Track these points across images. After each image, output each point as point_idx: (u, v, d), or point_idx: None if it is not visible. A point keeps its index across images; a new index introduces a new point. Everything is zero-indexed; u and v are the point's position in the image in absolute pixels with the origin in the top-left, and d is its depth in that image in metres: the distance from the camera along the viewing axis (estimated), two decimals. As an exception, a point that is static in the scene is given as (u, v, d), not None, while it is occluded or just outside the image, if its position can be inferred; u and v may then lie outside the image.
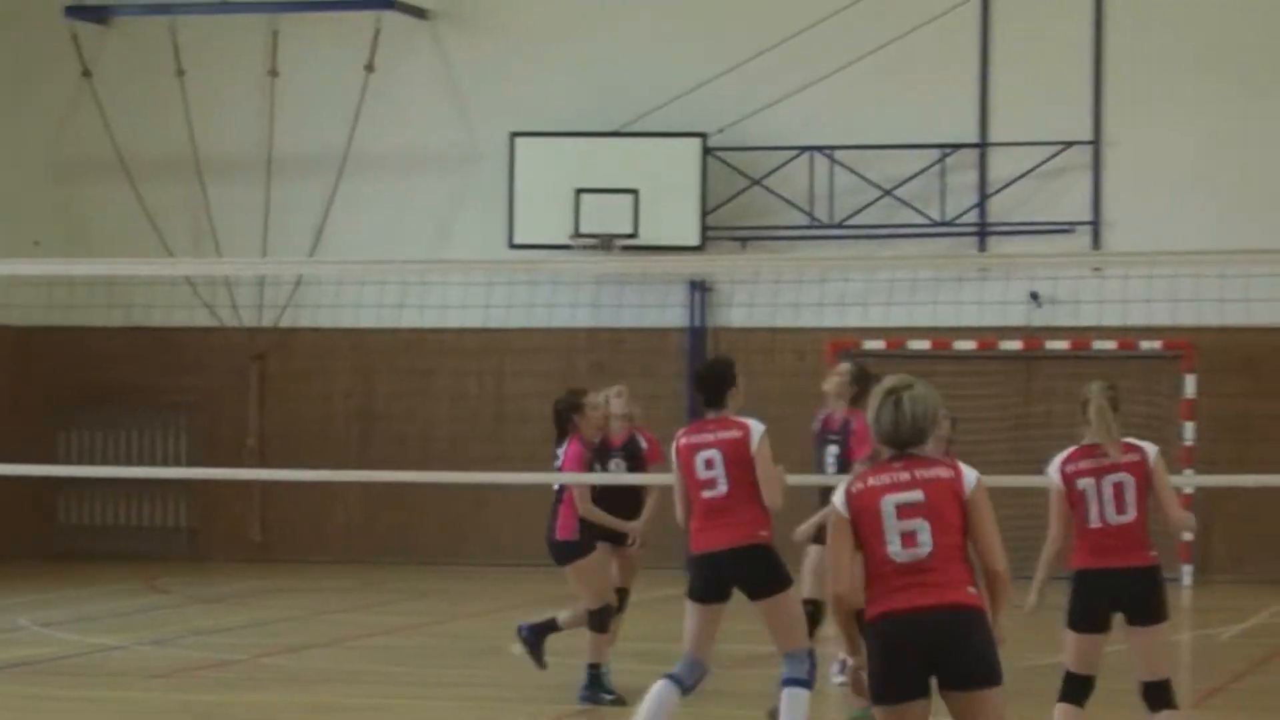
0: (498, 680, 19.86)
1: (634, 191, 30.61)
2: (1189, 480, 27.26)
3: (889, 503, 10.04)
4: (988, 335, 30.03)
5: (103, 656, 21.63)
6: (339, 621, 25.56)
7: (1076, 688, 12.90)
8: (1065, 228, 30.18)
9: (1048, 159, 30.35)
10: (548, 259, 30.44)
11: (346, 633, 24.24)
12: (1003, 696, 10.00)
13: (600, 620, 17.13)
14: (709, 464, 13.88)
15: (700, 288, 31.44)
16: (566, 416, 17.62)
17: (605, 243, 30.64)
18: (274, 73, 32.54)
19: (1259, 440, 29.19)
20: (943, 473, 10.17)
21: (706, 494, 13.85)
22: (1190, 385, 29.08)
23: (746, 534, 13.57)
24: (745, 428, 13.77)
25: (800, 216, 30.93)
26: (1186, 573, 29.13)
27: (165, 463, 31.92)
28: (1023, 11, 30.98)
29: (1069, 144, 30.31)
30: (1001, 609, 10.15)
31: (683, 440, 13.98)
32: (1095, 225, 30.29)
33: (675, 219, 30.71)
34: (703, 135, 30.86)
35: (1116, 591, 12.71)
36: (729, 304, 31.44)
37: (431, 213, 32.18)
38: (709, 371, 14.67)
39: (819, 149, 30.77)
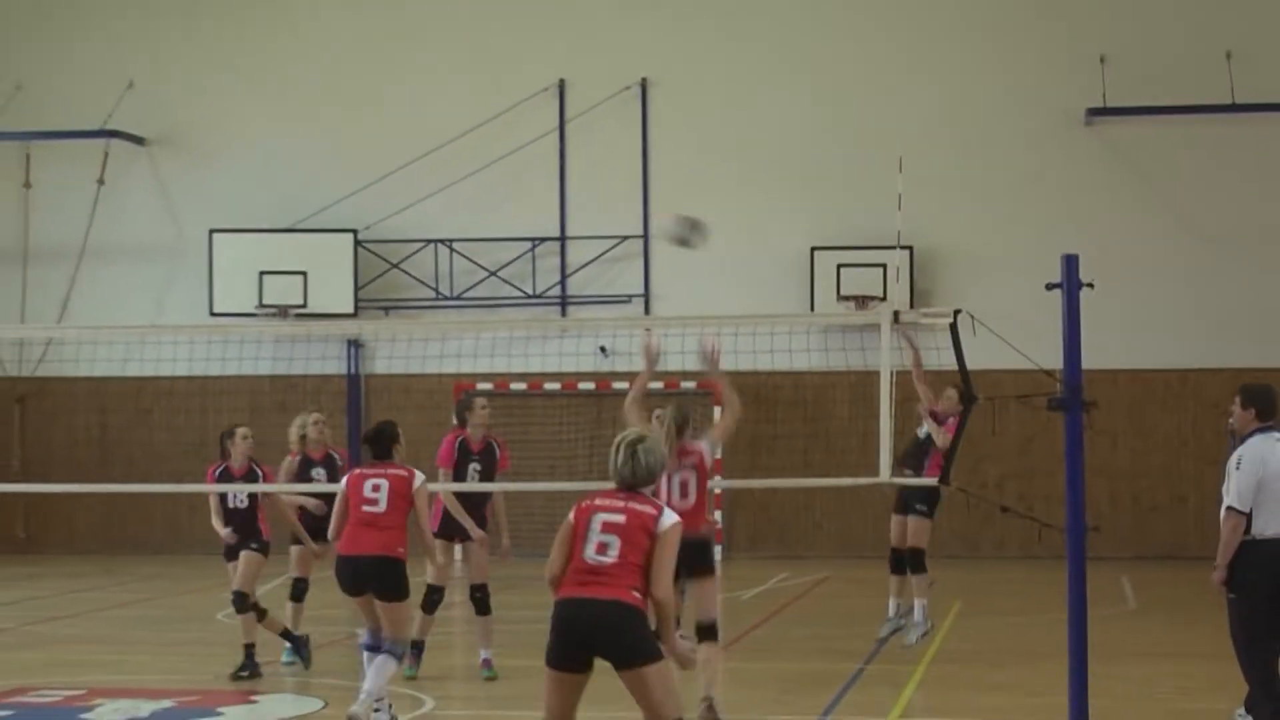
0: (205, 639, 21.77)
1: (303, 273, 34.03)
2: (719, 483, 27.92)
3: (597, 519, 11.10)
4: (569, 378, 33.55)
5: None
6: (87, 598, 27.38)
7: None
8: (625, 298, 34.16)
9: (611, 248, 34.42)
10: (239, 324, 33.42)
11: (92, 606, 26.13)
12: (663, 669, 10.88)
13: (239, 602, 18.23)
14: (375, 489, 15.37)
15: (355, 344, 34.62)
16: (222, 443, 19.01)
17: (282, 311, 33.80)
18: (27, 185, 36.08)
19: (766, 453, 32.89)
20: (649, 509, 11.11)
21: (366, 509, 15.30)
22: (716, 414, 29.29)
23: (388, 547, 15.21)
24: (411, 473, 15.50)
25: (429, 291, 34.59)
26: (718, 550, 29.04)
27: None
28: (589, 140, 34.52)
29: (626, 237, 34.43)
30: (668, 630, 11.08)
31: (356, 471, 15.66)
32: (646, 296, 34.33)
33: (335, 293, 34.15)
34: (354, 231, 34.31)
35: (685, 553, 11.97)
36: (375, 356, 34.80)
37: (150, 289, 35.23)
38: (378, 432, 15.87)
39: (442, 241, 34.54)
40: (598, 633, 10.71)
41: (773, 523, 34.06)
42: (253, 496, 18.82)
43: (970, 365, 16.30)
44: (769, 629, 23.27)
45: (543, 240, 34.88)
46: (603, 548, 10.91)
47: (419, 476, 15.60)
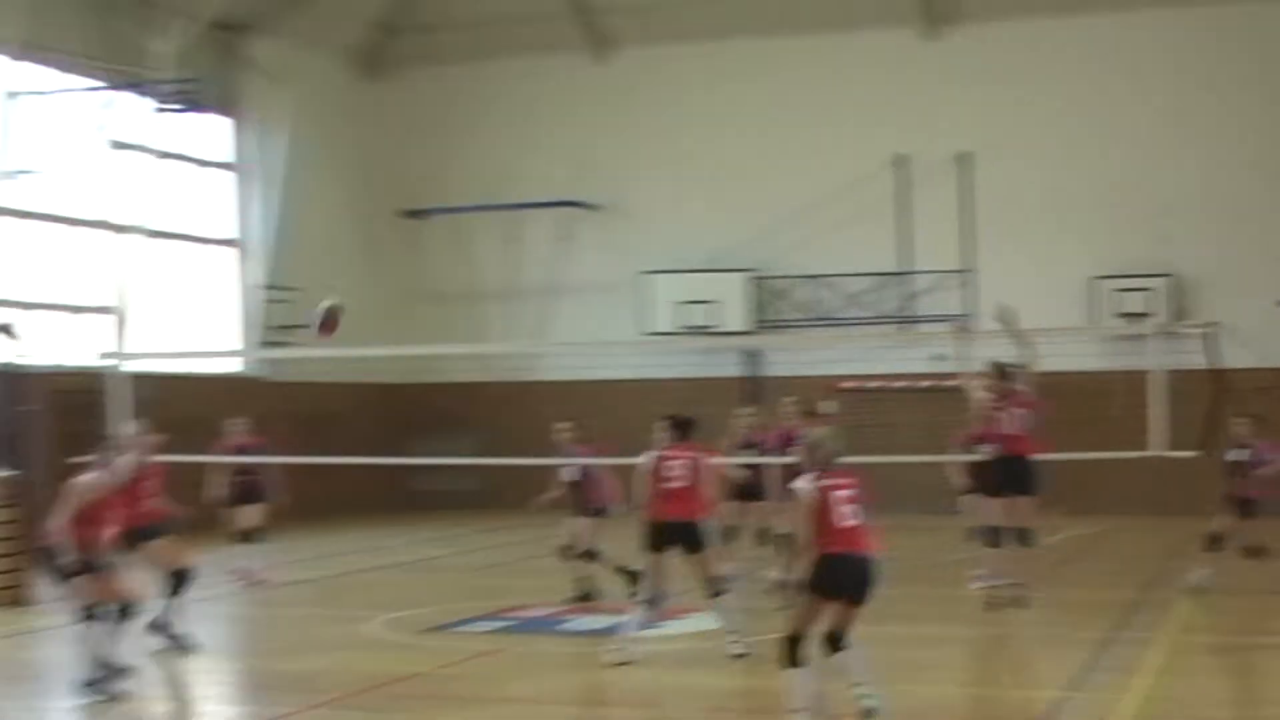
0: None
1: (712, 302, 34.04)
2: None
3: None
4: (910, 378, 32.48)
5: None
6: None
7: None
8: (954, 317, 32.52)
9: (943, 279, 33.69)
10: (665, 341, 33.90)
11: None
12: None
13: None
14: None
15: (751, 354, 34.13)
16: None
17: (697, 331, 33.85)
18: (512, 242, 36.54)
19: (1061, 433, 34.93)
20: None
21: None
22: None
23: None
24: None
25: (804, 313, 34.14)
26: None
27: None
28: (924, 195, 33.79)
29: (953, 271, 33.62)
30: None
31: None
32: (971, 315, 32.76)
33: (735, 316, 33.89)
34: (749, 269, 34.10)
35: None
36: (766, 364, 34.07)
37: (598, 317, 35.03)
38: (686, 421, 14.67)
39: (812, 276, 34.16)
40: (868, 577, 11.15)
41: (1067, 485, 32.54)
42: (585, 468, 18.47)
43: (1222, 365, 16.17)
44: (1070, 566, 22.96)
45: (889, 274, 34.60)
46: (852, 514, 11.24)
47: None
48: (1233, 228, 33.13)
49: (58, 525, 13.22)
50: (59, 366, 27.50)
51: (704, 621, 16.23)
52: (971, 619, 16.48)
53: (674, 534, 14.16)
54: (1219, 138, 33.39)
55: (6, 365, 20.02)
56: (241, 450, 21.02)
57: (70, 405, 22.52)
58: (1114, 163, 33.82)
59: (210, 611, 18.74)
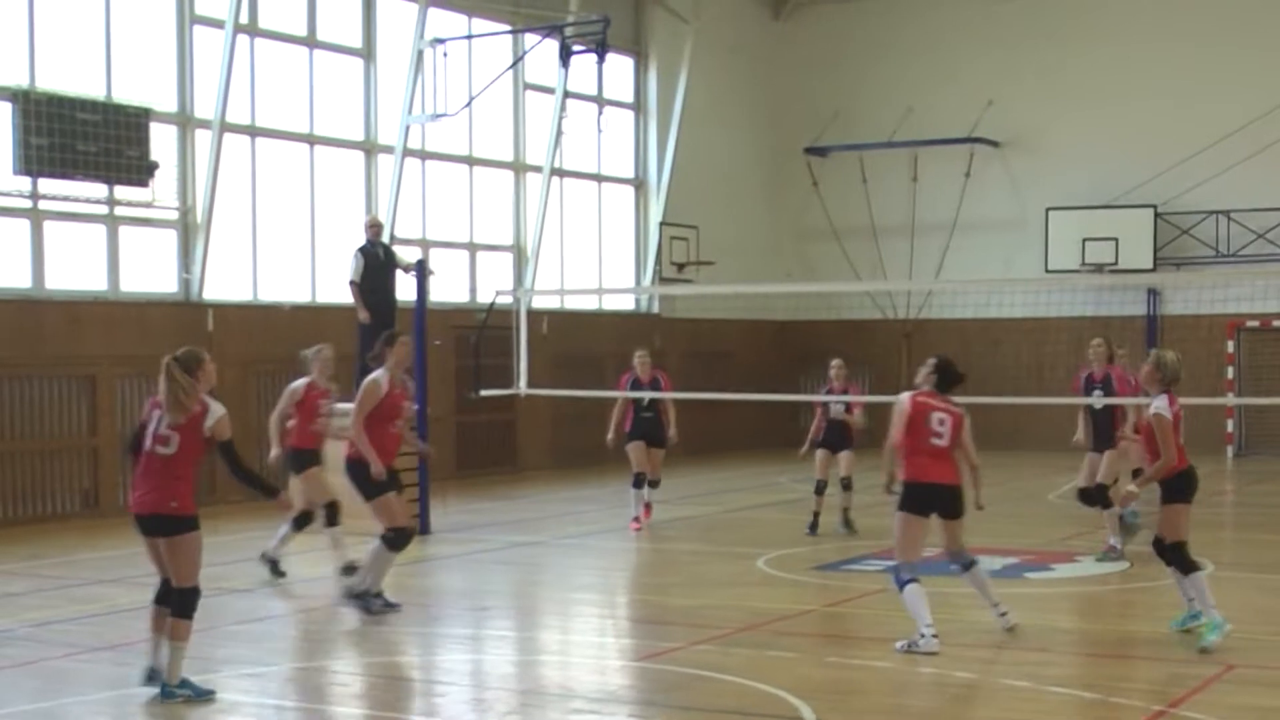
0: (1039, 514, 22.52)
1: (1115, 239, 33.00)
2: None
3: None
4: None
5: None
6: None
7: None
8: None
9: (1358, 215, 32.91)
10: (1067, 278, 33.53)
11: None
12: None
13: None
14: (940, 422, 12.36)
15: (1154, 293, 33.51)
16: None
17: (1099, 268, 32.89)
18: (915, 179, 36.13)
19: None
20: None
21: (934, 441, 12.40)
22: None
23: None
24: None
25: (1211, 251, 32.94)
26: None
27: None
28: None
29: (1370, 206, 33.69)
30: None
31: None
32: None
33: (1139, 254, 32.87)
34: (1154, 206, 32.99)
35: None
36: (1170, 301, 33.58)
37: (1002, 253, 34.59)
38: (946, 368, 12.61)
39: (1221, 212, 32.86)
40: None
41: None
42: None
43: None
44: None
45: (1299, 209, 33.23)
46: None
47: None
48: None
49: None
50: (464, 304, 28.28)
51: (1086, 567, 15.90)
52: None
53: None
54: None
55: (414, 303, 20.34)
56: (650, 385, 20.28)
57: (475, 342, 22.88)
58: None
59: (600, 546, 19.07)
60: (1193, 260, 33.73)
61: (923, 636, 11.88)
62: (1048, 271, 33.69)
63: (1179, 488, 12.29)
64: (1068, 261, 33.67)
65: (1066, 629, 13.20)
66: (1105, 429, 17.11)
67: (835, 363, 19.87)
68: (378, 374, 13.89)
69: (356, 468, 13.63)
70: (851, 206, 36.94)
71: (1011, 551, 17.33)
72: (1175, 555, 12.41)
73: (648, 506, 20.37)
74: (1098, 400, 17.11)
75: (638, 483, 20.19)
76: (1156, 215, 33.61)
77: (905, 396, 12.48)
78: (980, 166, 35.82)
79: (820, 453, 19.69)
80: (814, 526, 19.24)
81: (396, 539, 13.66)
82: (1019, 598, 14.40)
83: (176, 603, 10.34)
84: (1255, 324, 32.78)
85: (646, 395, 20.12)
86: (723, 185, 35.96)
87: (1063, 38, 35.26)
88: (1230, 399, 31.93)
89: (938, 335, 34.68)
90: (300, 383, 15.98)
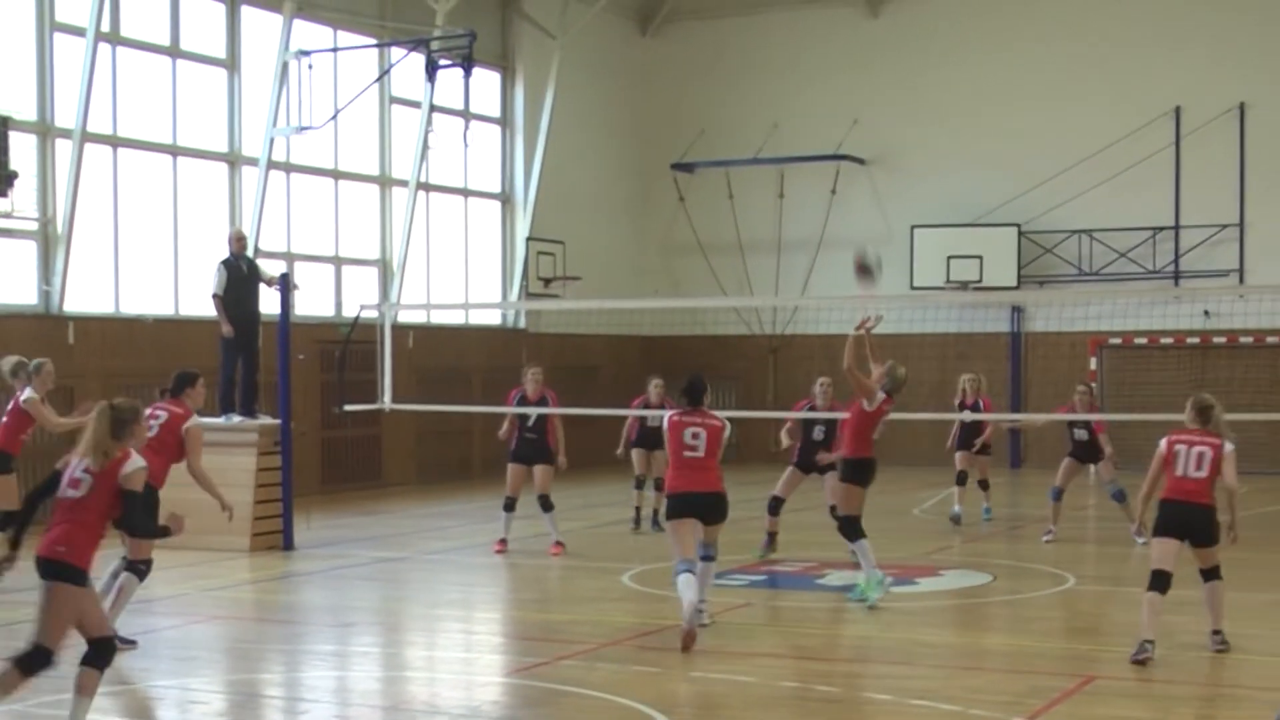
0: (903, 528, 22.60)
1: (979, 257, 33.48)
2: None
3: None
4: (1179, 335, 32.08)
5: None
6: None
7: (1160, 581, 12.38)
8: (1224, 272, 32.49)
9: (1214, 233, 32.81)
10: (932, 295, 33.85)
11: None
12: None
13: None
14: (695, 436, 13.48)
15: (1017, 310, 34.18)
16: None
17: (963, 285, 33.40)
18: (781, 196, 36.42)
19: None
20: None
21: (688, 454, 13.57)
22: None
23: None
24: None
25: (1072, 269, 33.66)
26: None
27: None
28: (1197, 149, 32.98)
29: (1225, 225, 32.84)
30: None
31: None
32: (1241, 271, 32.71)
33: (1002, 271, 33.32)
34: (1017, 225, 33.56)
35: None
36: (1033, 319, 34.13)
37: None
38: (692, 385, 13.70)
39: (1083, 231, 33.47)
40: None
41: None
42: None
43: None
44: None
45: (1160, 229, 33.77)
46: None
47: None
48: None
49: None
50: (328, 318, 28.13)
51: (949, 580, 16.09)
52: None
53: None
54: None
55: (278, 316, 20.21)
56: (538, 403, 19.57)
57: (340, 356, 22.74)
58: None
59: (466, 562, 19.03)
60: (1056, 278, 34.27)
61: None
62: (913, 288, 34.01)
63: (857, 472, 14.89)
64: (933, 279, 34.06)
65: (929, 642, 13.28)
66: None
67: (655, 382, 20.62)
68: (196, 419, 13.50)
69: None
70: (718, 222, 37.16)
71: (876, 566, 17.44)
72: (845, 525, 14.94)
73: (559, 544, 19.52)
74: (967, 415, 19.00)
75: (508, 505, 19.42)
76: (1020, 234, 34.08)
77: (668, 415, 13.78)
78: (846, 184, 36.13)
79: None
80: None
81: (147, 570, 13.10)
82: (883, 611, 14.56)
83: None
84: (1117, 341, 33.23)
85: (532, 412, 19.43)
86: (590, 201, 36.07)
87: (929, 57, 35.70)
88: (1093, 415, 32.28)
89: (803, 351, 35.17)
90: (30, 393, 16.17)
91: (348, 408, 21.09)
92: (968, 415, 21.57)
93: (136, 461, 9.61)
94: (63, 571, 9.25)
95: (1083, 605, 15.23)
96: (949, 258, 34.13)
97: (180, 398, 13.55)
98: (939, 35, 35.70)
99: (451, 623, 14.92)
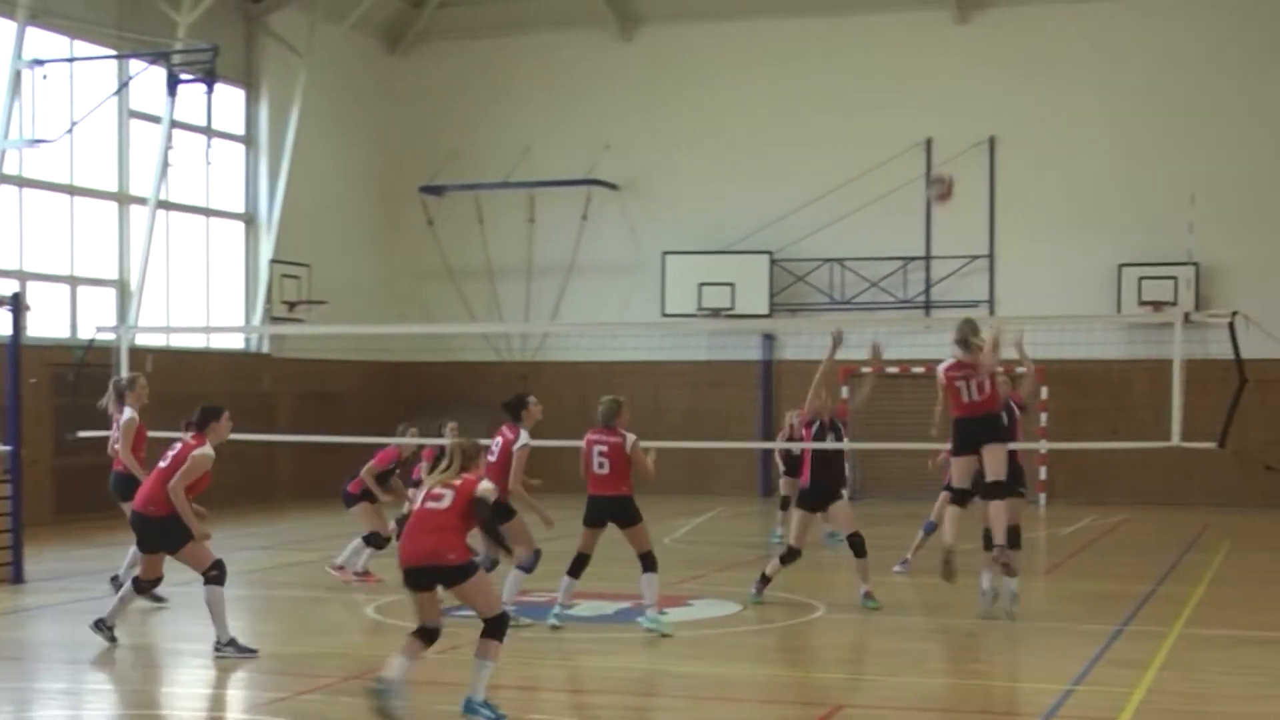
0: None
1: (731, 284, 34.08)
2: (1043, 445, 31.14)
3: (595, 449, 14.61)
4: (931, 364, 29.50)
5: None
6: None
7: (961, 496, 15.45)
8: (975, 303, 33.02)
9: (965, 265, 33.90)
10: (684, 322, 34.02)
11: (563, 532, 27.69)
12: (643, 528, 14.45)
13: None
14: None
15: (769, 338, 34.70)
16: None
17: (715, 313, 33.98)
18: (532, 220, 36.60)
19: (1082, 422, 32.03)
20: (617, 439, 14.56)
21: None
22: (1045, 392, 31.22)
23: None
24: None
25: (825, 298, 34.38)
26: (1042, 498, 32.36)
27: None
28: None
29: (976, 256, 33.92)
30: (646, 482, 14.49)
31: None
32: (991, 301, 33.66)
33: (755, 299, 34.07)
34: (769, 253, 34.21)
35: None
36: (785, 347, 34.73)
37: (618, 296, 35.28)
38: (513, 401, 15.77)
39: (835, 260, 34.32)
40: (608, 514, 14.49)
41: (1085, 476, 33.11)
42: None
43: (1244, 355, 16.38)
44: (1082, 558, 22.92)
45: (912, 259, 34.71)
46: (600, 465, 14.47)
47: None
48: (1259, 214, 33.10)
49: None
50: (62, 340, 27.53)
51: (699, 610, 16.21)
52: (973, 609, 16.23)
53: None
54: (1245, 123, 33.36)
55: (9, 338, 19.72)
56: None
57: (74, 380, 22.29)
58: (1139, 148, 33.75)
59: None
60: (808, 306, 34.79)
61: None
62: (664, 315, 34.39)
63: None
64: (685, 306, 34.48)
65: (676, 673, 13.34)
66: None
67: (451, 424, 19.74)
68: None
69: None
70: (468, 247, 37.24)
71: (625, 596, 17.37)
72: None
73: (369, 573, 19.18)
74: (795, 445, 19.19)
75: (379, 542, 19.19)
76: (772, 261, 34.67)
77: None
78: (598, 209, 36.39)
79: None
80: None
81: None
82: (631, 642, 14.62)
83: None
84: (868, 370, 33.23)
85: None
86: (336, 223, 35.82)
87: (682, 83, 36.07)
88: (846, 444, 32.80)
89: (554, 377, 35.20)
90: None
91: (82, 434, 20.66)
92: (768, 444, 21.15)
93: None
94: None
95: (832, 634, 15.45)
96: (701, 285, 34.62)
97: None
98: (691, 61, 36.13)
99: (191, 657, 14.56)
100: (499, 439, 15.58)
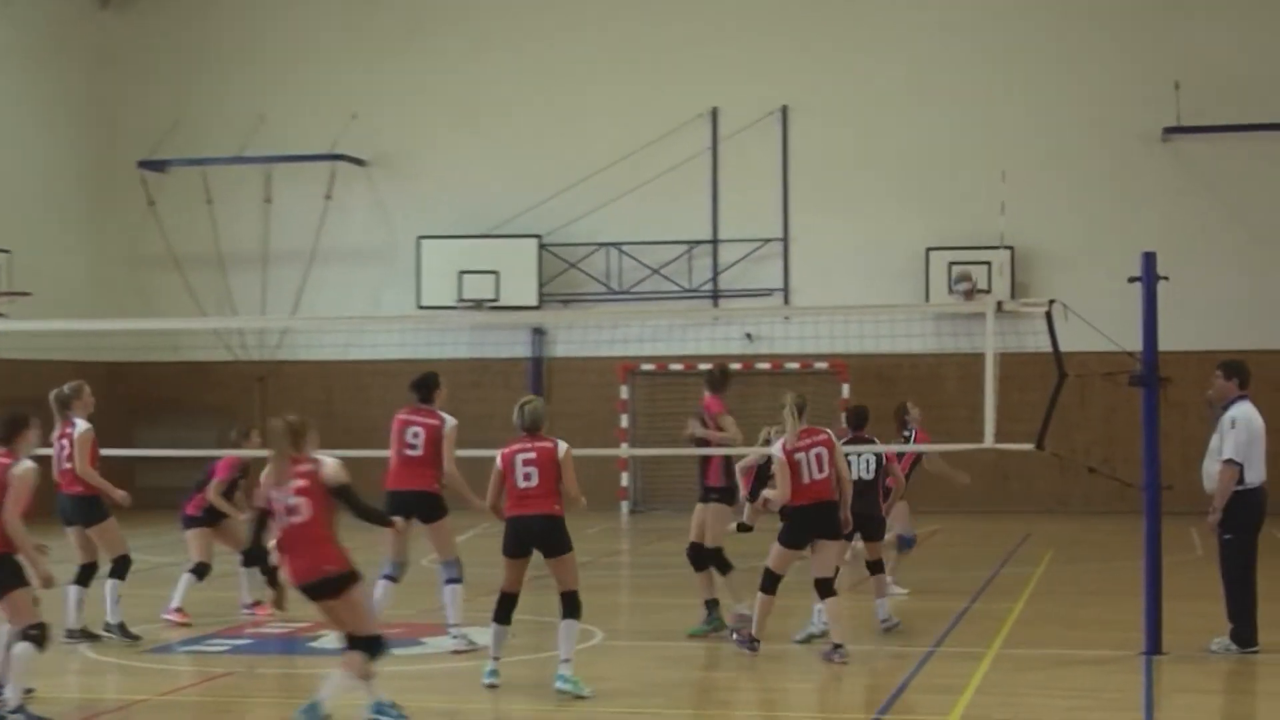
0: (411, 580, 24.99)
1: (496, 272, 34.26)
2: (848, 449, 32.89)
3: (519, 459, 13.59)
4: (719, 360, 28.71)
5: None
6: None
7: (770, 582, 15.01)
8: (767, 291, 34.09)
9: (756, 249, 34.39)
10: (441, 315, 34.24)
11: None
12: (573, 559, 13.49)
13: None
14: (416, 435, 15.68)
15: (538, 332, 34.99)
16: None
17: (478, 304, 34.13)
18: (268, 200, 36.39)
19: (888, 422, 33.89)
20: (548, 444, 13.67)
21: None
22: (845, 390, 32.69)
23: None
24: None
25: (600, 287, 34.73)
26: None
27: None
28: (737, 156, 34.55)
29: (769, 240, 34.42)
30: (578, 509, 13.57)
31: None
32: (786, 290, 34.37)
33: (522, 289, 34.29)
34: (538, 236, 34.52)
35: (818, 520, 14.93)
36: (555, 342, 34.87)
37: (368, 286, 35.36)
38: (422, 379, 16.15)
39: (611, 244, 34.70)
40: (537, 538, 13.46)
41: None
42: None
43: (1062, 347, 16.88)
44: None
45: (698, 243, 35.02)
46: (527, 477, 13.47)
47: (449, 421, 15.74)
48: (1078, 192, 34.02)
49: None
50: None
51: (472, 637, 16.11)
52: (775, 634, 16.32)
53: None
54: (1063, 99, 34.24)
55: None
56: None
57: None
58: (947, 120, 34.46)
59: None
60: (582, 297, 35.09)
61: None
62: (420, 308, 34.36)
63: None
64: (443, 296, 34.49)
65: (438, 710, 13.27)
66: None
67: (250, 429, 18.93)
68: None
69: None
70: (195, 231, 36.77)
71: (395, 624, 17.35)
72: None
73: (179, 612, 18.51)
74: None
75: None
76: (542, 246, 34.83)
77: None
78: (344, 187, 36.21)
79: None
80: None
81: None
82: (383, 676, 14.45)
83: None
84: (650, 367, 34.28)
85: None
86: (40, 203, 35.13)
87: (440, 50, 36.07)
88: (624, 450, 32.82)
89: (296, 378, 35.15)
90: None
91: None
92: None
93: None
94: None
95: (609, 663, 15.41)
96: (461, 273, 34.65)
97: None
98: (449, 20, 36.07)
99: None
100: (416, 428, 15.74)
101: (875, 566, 17.38)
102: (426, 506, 15.70)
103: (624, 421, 34.25)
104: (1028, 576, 21.81)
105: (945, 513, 32.01)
